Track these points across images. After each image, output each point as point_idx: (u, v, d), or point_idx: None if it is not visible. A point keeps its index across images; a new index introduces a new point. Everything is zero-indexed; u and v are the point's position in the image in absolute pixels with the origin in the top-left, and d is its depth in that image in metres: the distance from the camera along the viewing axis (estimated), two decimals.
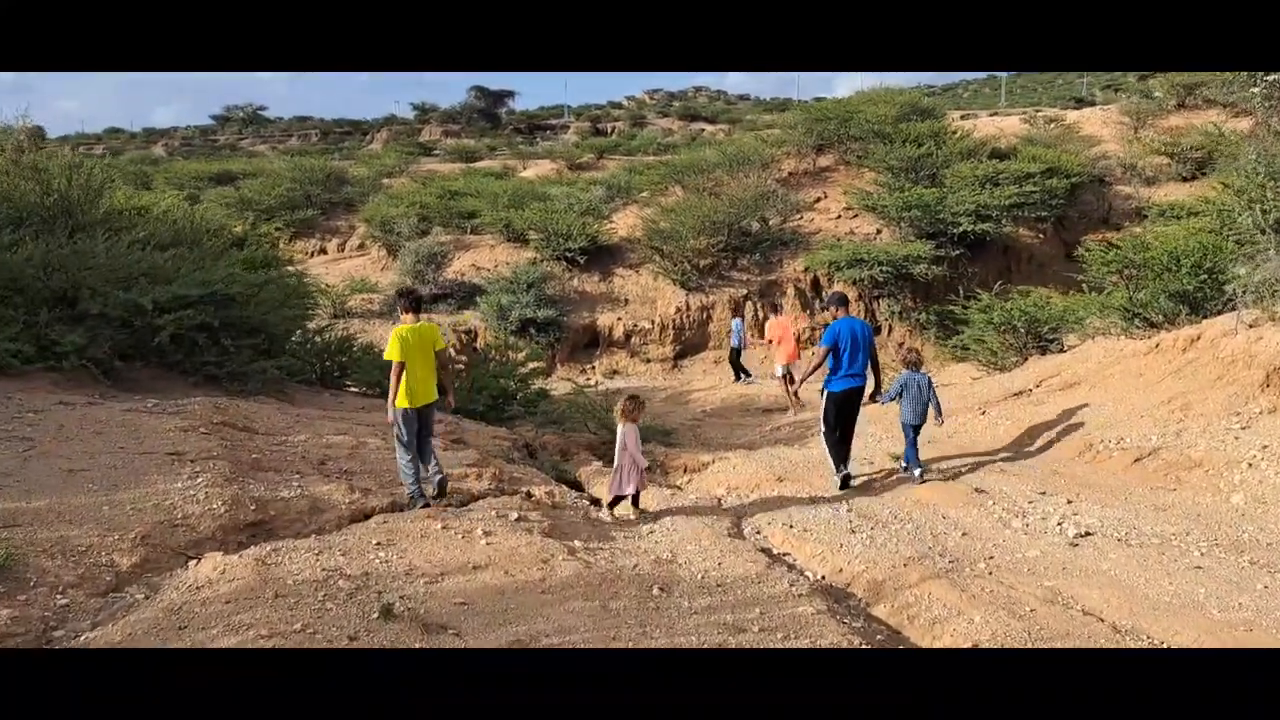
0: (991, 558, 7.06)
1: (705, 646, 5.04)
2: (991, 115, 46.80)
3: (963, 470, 9.62)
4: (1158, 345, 11.03)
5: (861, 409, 9.81)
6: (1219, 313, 11.97)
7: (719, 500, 9.44)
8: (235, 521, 6.64)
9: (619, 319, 26.85)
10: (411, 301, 8.10)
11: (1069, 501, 8.27)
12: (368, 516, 7.40)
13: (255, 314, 13.43)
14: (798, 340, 19.89)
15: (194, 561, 5.92)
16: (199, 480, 7.07)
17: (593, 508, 8.87)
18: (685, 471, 11.13)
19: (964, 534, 7.65)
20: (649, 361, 26.55)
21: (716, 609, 5.77)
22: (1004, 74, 72.97)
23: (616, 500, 8.49)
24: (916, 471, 9.43)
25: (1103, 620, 5.74)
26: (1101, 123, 35.72)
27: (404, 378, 7.77)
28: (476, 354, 18.37)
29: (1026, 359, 13.92)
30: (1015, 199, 26.14)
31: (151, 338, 11.73)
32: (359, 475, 8.55)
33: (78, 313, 11.67)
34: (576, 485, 10.30)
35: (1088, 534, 7.37)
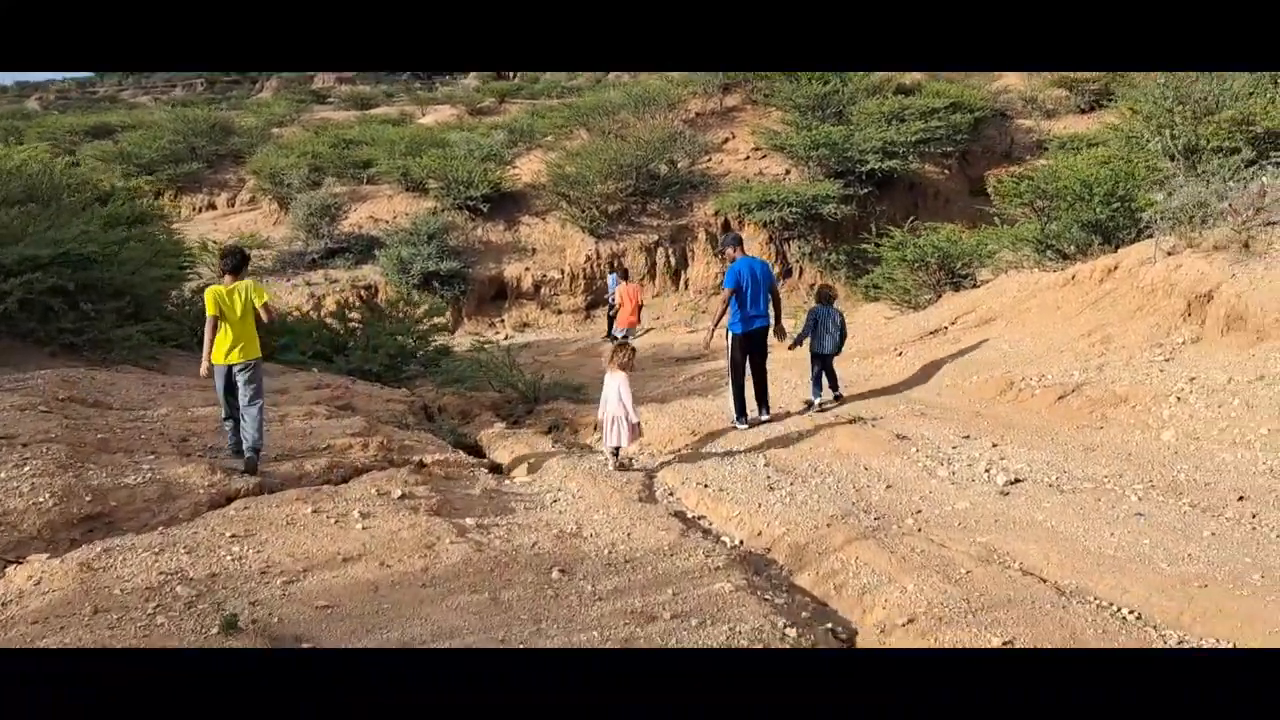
0: (919, 512, 6.54)
1: (607, 644, 4.37)
2: None
3: (882, 415, 9.12)
4: (1073, 277, 10.66)
5: (771, 353, 9.44)
6: (1132, 242, 11.66)
7: (629, 460, 8.77)
8: (67, 516, 5.72)
9: (527, 269, 25.89)
10: (231, 263, 7.71)
11: (994, 445, 7.81)
12: (231, 500, 6.54)
13: (118, 275, 12.25)
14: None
15: (11, 567, 5.03)
16: (25, 469, 6.11)
17: (492, 476, 8.12)
18: (595, 429, 10.41)
19: (888, 486, 7.12)
20: (560, 313, 25.71)
21: (624, 591, 5.11)
22: None
23: (616, 451, 8.17)
24: (816, 400, 9.63)
25: (1044, 580, 5.24)
26: None
27: (217, 334, 7.47)
28: (375, 311, 17.31)
29: (940, 296, 13.52)
30: (921, 134, 25.83)
31: None
32: (224, 452, 7.65)
33: None
34: (476, 450, 9.53)
35: (1017, 480, 6.90)
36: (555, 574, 5.33)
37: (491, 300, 25.83)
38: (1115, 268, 10.14)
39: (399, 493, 6.61)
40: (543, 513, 6.81)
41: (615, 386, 8.04)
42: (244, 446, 7.35)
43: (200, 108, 42.27)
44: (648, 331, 21.28)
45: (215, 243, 26.59)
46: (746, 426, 9.26)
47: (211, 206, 35.40)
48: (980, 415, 8.70)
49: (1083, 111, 30.44)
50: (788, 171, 27.55)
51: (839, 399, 9.72)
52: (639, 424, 8.18)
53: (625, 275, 20.42)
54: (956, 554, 5.63)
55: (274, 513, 6.05)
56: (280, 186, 29.55)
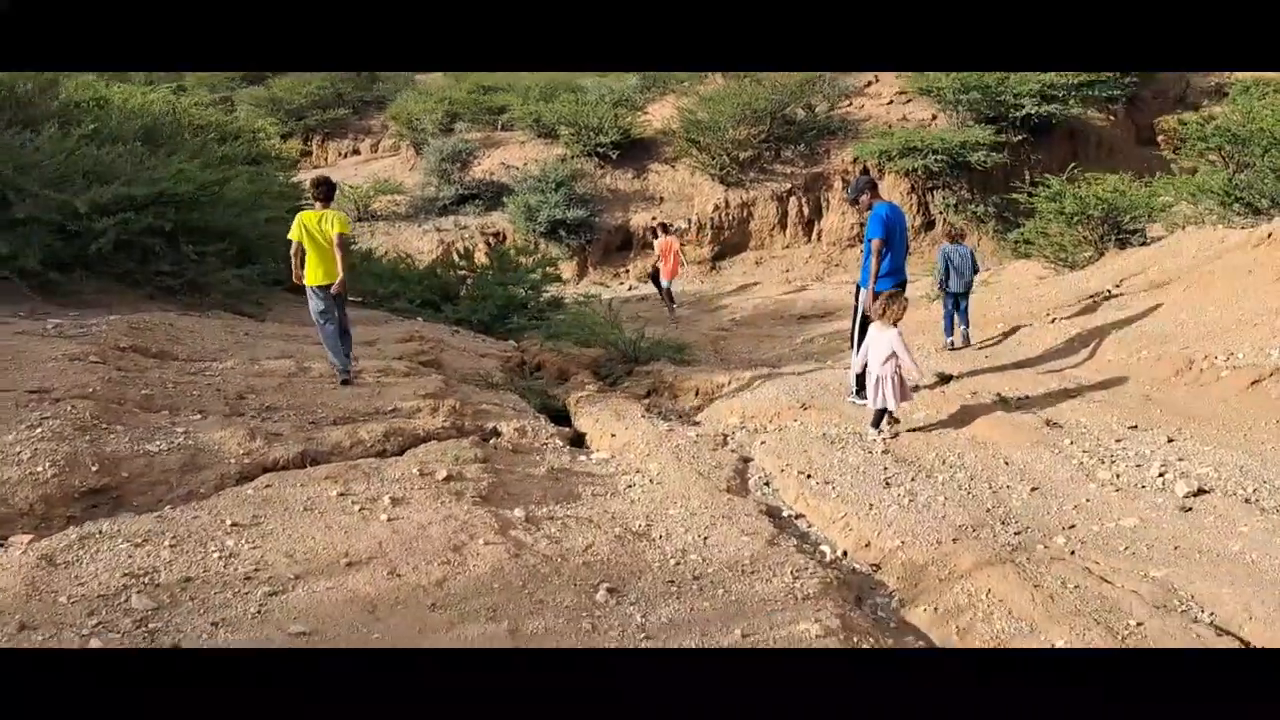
0: (1073, 527, 5.13)
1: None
2: None
3: (1028, 395, 7.62)
4: (1270, 235, 8.78)
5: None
6: None
7: (726, 436, 7.57)
8: (67, 490, 4.92)
9: (654, 218, 24.68)
10: (322, 192, 7.92)
11: (1170, 440, 6.26)
12: (266, 471, 5.68)
13: (224, 216, 11.68)
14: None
15: None
16: (38, 430, 5.36)
17: (567, 450, 7.06)
18: (697, 395, 9.27)
19: (1034, 489, 5.71)
20: (685, 264, 24.50)
21: (680, 626, 3.95)
22: None
23: (881, 415, 7.03)
24: (949, 340, 9.61)
25: (1245, 642, 3.84)
26: None
27: (306, 259, 7.72)
28: (492, 259, 16.45)
29: (1103, 254, 11.67)
30: (1085, 77, 23.25)
31: (90, 245, 10.03)
32: (281, 413, 6.82)
33: (6, 218, 9.98)
34: (564, 415, 8.49)
35: (1202, 491, 5.37)
36: (602, 594, 4.21)
37: (617, 250, 24.83)
38: None
39: (444, 473, 5.59)
40: (611, 501, 5.70)
41: (888, 342, 6.78)
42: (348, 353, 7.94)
43: None
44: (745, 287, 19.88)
45: (351, 187, 26.56)
46: (866, 403, 7.78)
47: (356, 152, 35.48)
48: (1151, 400, 7.10)
49: None
50: (934, 117, 25.37)
51: (967, 341, 9.67)
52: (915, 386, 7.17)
53: (666, 229, 18.89)
54: (1123, 594, 4.24)
55: (295, 494, 5.13)
56: (416, 132, 29.13)
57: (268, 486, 5.24)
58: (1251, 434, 6.25)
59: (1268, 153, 9.80)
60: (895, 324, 6.84)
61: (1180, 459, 5.91)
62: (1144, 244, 11.43)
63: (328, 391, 7.50)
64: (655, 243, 18.43)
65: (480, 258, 17.13)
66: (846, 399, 8.07)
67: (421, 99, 31.37)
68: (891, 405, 6.92)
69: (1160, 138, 26.43)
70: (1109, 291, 10.09)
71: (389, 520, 4.82)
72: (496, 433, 7.19)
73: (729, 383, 9.28)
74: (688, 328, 13.87)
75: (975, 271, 9.73)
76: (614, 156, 25.42)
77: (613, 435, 7.39)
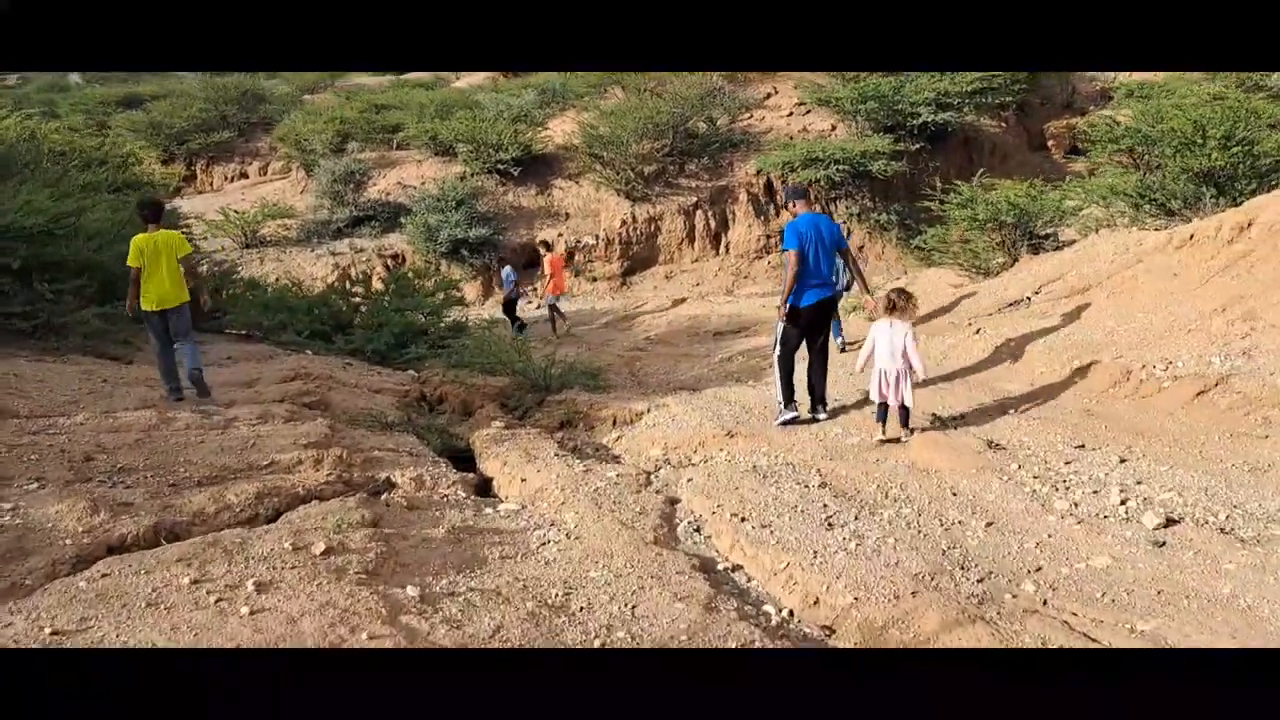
0: (1039, 569, 4.56)
1: None
2: None
3: (964, 413, 7.12)
4: (1191, 236, 8.49)
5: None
6: (1254, 194, 9.46)
7: (649, 474, 6.87)
8: None
9: (559, 235, 23.93)
10: (150, 212, 8.15)
11: (1122, 460, 5.79)
12: (112, 551, 4.75)
13: (82, 251, 10.55)
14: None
15: None
16: None
17: (472, 500, 6.25)
18: (614, 425, 8.54)
19: (989, 524, 5.14)
20: (595, 280, 23.81)
21: None
22: None
23: (885, 410, 6.75)
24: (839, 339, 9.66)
25: None
26: None
27: (143, 283, 7.86)
28: (386, 284, 15.44)
29: (1016, 260, 11.37)
30: (978, 83, 23.39)
31: None
32: (136, 475, 5.87)
33: None
34: (469, 459, 7.67)
35: (1172, 521, 4.86)
36: None
37: (524, 268, 23.95)
38: (1249, 224, 7.98)
39: (323, 545, 4.73)
40: (523, 565, 4.93)
41: (902, 338, 6.57)
42: (186, 373, 7.99)
43: (235, 75, 40.56)
44: (679, 301, 19.33)
45: (237, 212, 25.15)
46: (793, 417, 7.39)
47: (243, 176, 33.88)
48: (1093, 415, 6.65)
49: None
50: (833, 127, 25.25)
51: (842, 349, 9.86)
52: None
53: (549, 247, 18.97)
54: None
55: (138, 584, 4.22)
56: (306, 154, 27.83)
57: (105, 576, 4.32)
58: (1206, 450, 5.81)
59: (1178, 153, 9.58)
60: (908, 319, 6.70)
61: (1138, 482, 5.41)
62: (1057, 248, 11.15)
63: (194, 446, 6.56)
64: (544, 261, 18.22)
65: (377, 283, 16.17)
66: (774, 422, 7.51)
67: (310, 119, 30.08)
68: (909, 401, 6.64)
69: (1051, 142, 26.84)
70: (1029, 299, 9.74)
71: (251, 614, 3.96)
72: (390, 484, 6.36)
73: (648, 409, 8.59)
74: (601, 348, 13.15)
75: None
76: (515, 173, 24.63)
77: (523, 480, 6.61)
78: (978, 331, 9.01)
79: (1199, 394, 6.44)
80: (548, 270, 17.59)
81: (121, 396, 7.73)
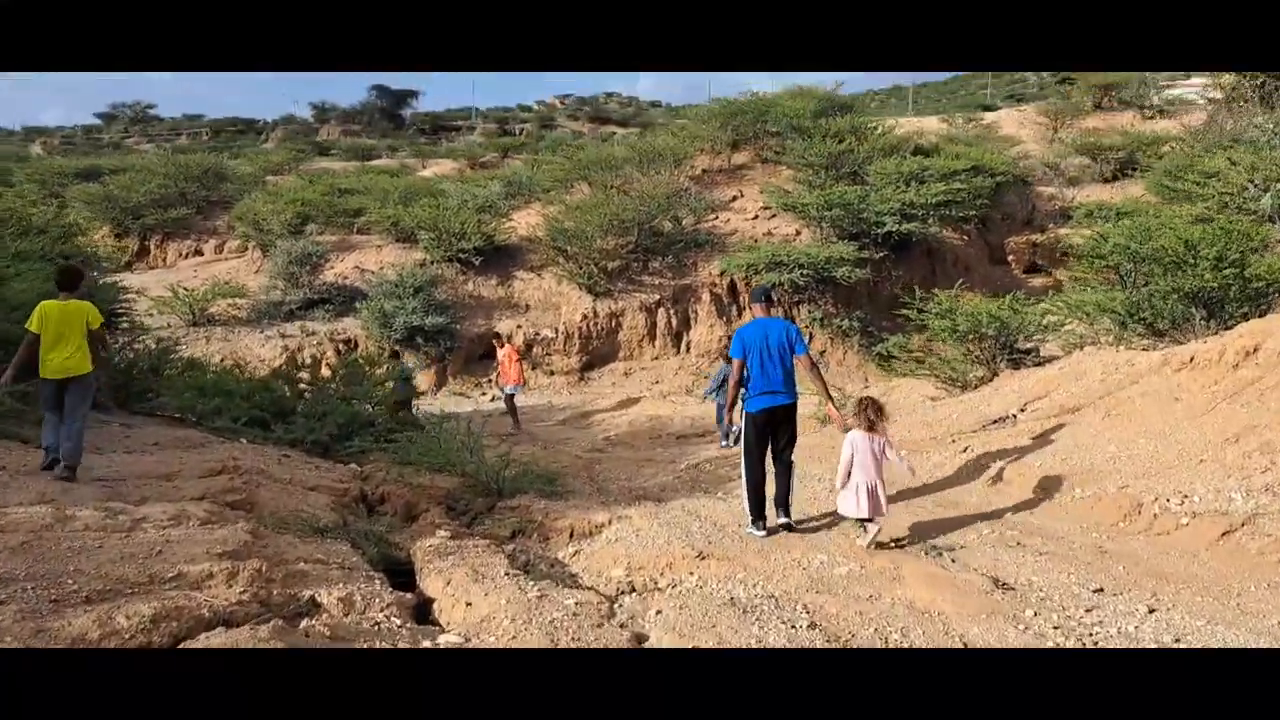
0: None
1: None
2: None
3: (962, 545, 6.40)
4: (1192, 359, 7.98)
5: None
6: (1245, 316, 9.06)
7: (612, 601, 6.03)
8: None
9: (519, 327, 23.31)
10: (64, 279, 7.95)
11: (1151, 611, 5.07)
12: None
13: (2, 324, 9.63)
14: None
15: None
16: None
17: (411, 628, 5.36)
18: (571, 538, 7.69)
19: None
20: (553, 374, 23.11)
21: None
22: (909, 84, 71.13)
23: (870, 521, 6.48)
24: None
25: None
26: (1018, 123, 33.44)
27: (44, 351, 7.60)
28: (335, 370, 14.55)
29: (996, 374, 10.85)
30: (943, 196, 23.48)
31: None
32: (14, 587, 4.91)
33: None
34: (407, 573, 6.77)
35: None
36: None
37: (480, 359, 23.24)
38: (1255, 349, 7.48)
39: None
40: None
41: (880, 449, 6.48)
42: (61, 458, 7.46)
43: (201, 155, 39.90)
44: (630, 402, 18.63)
45: (186, 290, 24.20)
46: (763, 534, 6.88)
47: (198, 253, 32.99)
48: (1108, 553, 5.96)
49: (1105, 181, 28.22)
50: (798, 232, 25.11)
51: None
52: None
53: (500, 339, 19.01)
54: None
55: None
56: (263, 233, 27.08)
57: None
58: (1244, 603, 5.12)
59: (1168, 272, 9.17)
60: (873, 431, 6.48)
61: (1176, 639, 4.70)
62: (1038, 364, 10.65)
63: (90, 551, 5.62)
64: (500, 352, 17.64)
65: (326, 369, 15.29)
66: (745, 529, 6.99)
67: (270, 199, 29.44)
68: (880, 516, 6.43)
69: (1011, 257, 26.95)
70: (1014, 416, 9.15)
71: None
72: (315, 604, 5.45)
73: (609, 521, 7.77)
74: (558, 448, 12.33)
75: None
76: (477, 263, 24.11)
77: (468, 604, 5.72)
78: (964, 450, 8.36)
79: (1224, 535, 5.79)
80: (502, 361, 17.16)
81: (18, 489, 6.77)
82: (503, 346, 17.77)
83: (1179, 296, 9.12)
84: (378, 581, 6.12)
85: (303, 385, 13.41)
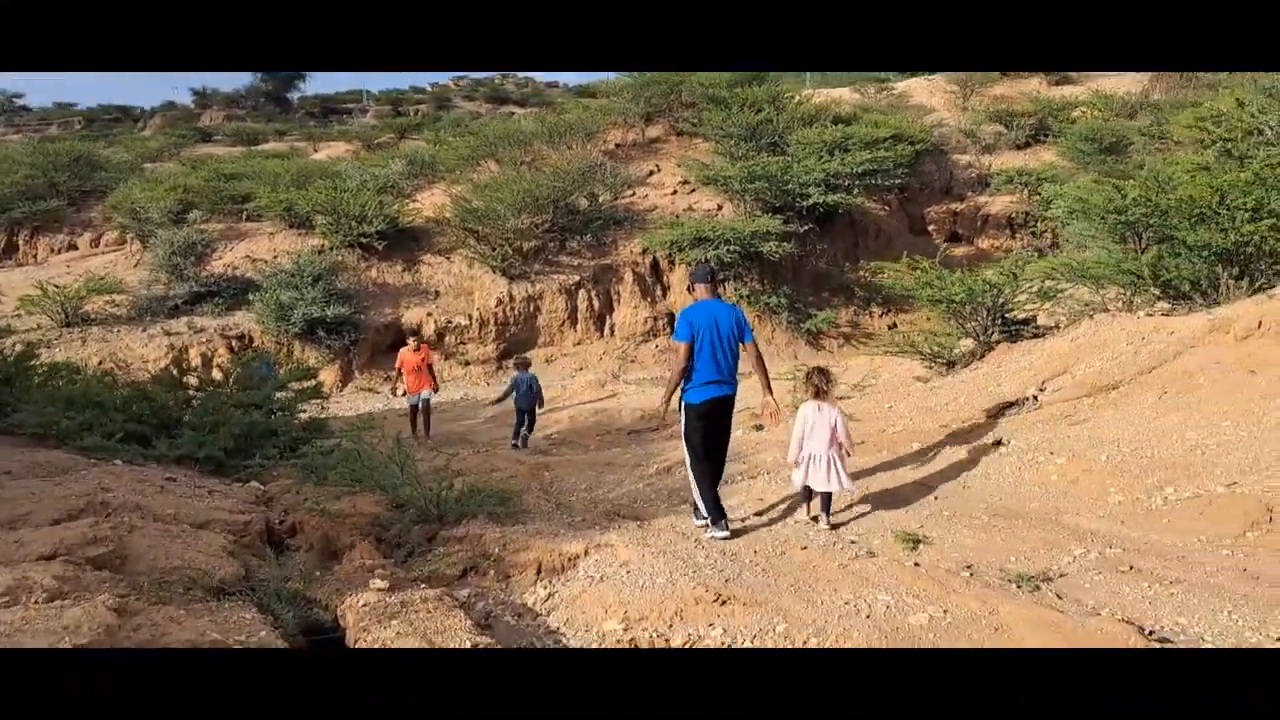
0: None
1: None
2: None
3: (1057, 571, 4.96)
4: (1260, 325, 6.73)
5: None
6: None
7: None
8: None
9: (429, 315, 21.33)
10: None
11: None
12: None
13: None
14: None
15: None
16: None
17: None
18: (540, 575, 6.02)
19: None
20: (468, 364, 21.21)
21: None
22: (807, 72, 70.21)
23: (810, 494, 6.33)
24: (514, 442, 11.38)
25: None
26: (929, 92, 32.66)
27: None
28: (228, 371, 12.42)
29: (991, 349, 9.52)
30: (868, 165, 22.40)
31: None
32: None
33: None
34: (332, 632, 5.00)
35: None
36: None
37: (388, 350, 21.13)
38: None
39: None
40: None
41: (829, 420, 6.16)
42: None
43: (73, 143, 36.19)
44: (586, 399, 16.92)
45: (57, 287, 21.41)
46: (726, 536, 6.08)
47: (73, 247, 29.77)
48: (1259, 578, 4.58)
49: (1019, 147, 27.62)
50: (720, 207, 23.72)
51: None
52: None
53: (418, 335, 15.10)
54: None
55: None
56: (142, 223, 24.31)
57: None
58: None
59: (1197, 226, 7.94)
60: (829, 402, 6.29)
61: None
62: (1036, 335, 9.37)
63: None
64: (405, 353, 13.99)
65: (218, 371, 13.16)
66: (695, 521, 6.40)
67: (150, 187, 26.55)
68: (836, 489, 6.09)
69: (931, 227, 26.07)
70: (1034, 398, 7.82)
71: None
72: None
73: (584, 552, 6.13)
74: (494, 453, 10.55)
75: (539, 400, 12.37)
76: (380, 247, 22.00)
77: None
78: (997, 442, 6.94)
79: None
80: (416, 365, 13.56)
81: None
82: (419, 349, 13.82)
83: (1208, 254, 7.92)
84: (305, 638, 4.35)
85: (190, 390, 11.29)
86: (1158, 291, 8.39)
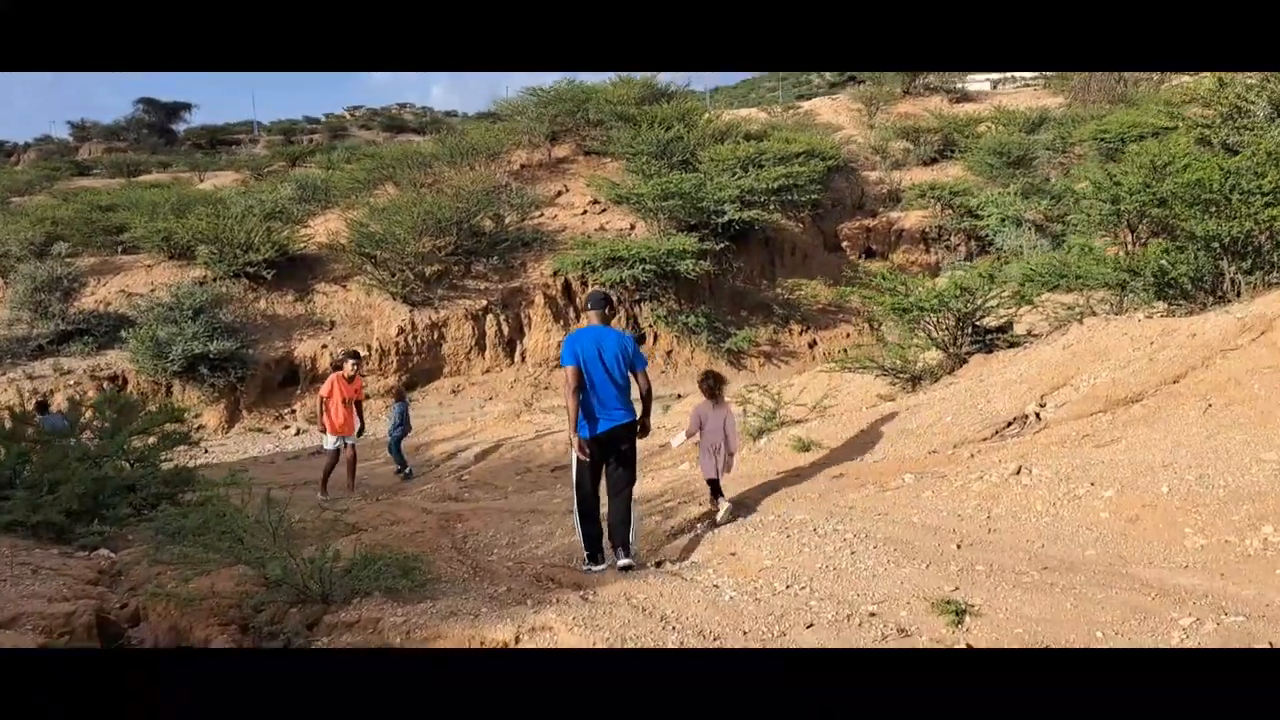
0: None
1: None
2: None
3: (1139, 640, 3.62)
4: None
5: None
6: None
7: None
8: None
9: (324, 347, 19.35)
10: None
11: None
12: None
13: None
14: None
15: None
16: None
17: None
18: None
19: None
20: (368, 397, 19.22)
21: None
22: (703, 88, 70.03)
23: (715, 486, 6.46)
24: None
25: None
26: (834, 110, 32.10)
27: None
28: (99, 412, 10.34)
29: (963, 362, 8.29)
30: (783, 180, 21.46)
31: None
32: None
33: None
34: None
35: None
36: None
37: (280, 387, 19.12)
38: None
39: None
40: None
41: (723, 419, 6.46)
42: None
43: None
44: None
45: None
46: (601, 569, 5.81)
47: None
48: None
49: (926, 163, 27.12)
50: (633, 226, 22.41)
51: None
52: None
53: (351, 360, 11.54)
54: None
55: None
56: (1, 258, 21.68)
57: None
58: None
59: (1204, 216, 6.83)
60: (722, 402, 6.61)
61: None
62: (1012, 345, 8.16)
63: None
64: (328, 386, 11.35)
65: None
66: (581, 568, 5.93)
67: (12, 219, 23.85)
68: (723, 476, 6.51)
69: (845, 244, 25.24)
70: (1036, 415, 6.56)
71: None
72: None
73: (515, 639, 4.56)
74: (396, 502, 8.82)
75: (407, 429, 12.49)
76: (269, 277, 19.90)
77: None
78: (1018, 471, 5.60)
79: None
80: (324, 394, 11.23)
81: None
82: (353, 379, 11.29)
83: (1214, 247, 6.83)
84: None
85: (29, 441, 9.26)
86: (1153, 291, 7.28)
